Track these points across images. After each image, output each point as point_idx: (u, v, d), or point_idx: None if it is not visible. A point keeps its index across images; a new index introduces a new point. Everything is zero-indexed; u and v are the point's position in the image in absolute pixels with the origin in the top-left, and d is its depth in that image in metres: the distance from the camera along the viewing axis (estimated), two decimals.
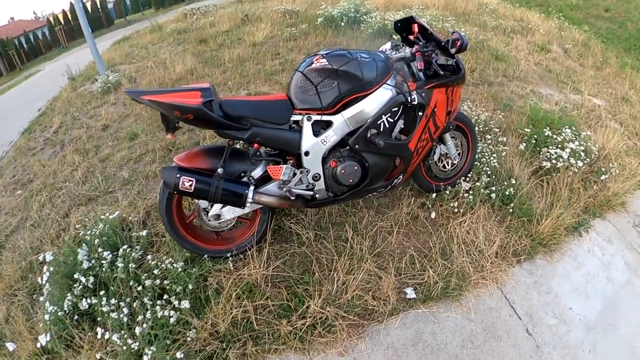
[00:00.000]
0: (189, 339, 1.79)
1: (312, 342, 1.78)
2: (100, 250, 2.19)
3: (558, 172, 2.76)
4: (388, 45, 2.18)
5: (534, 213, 2.46)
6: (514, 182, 2.58)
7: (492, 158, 2.73)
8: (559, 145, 2.93)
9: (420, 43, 2.07)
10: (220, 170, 1.89)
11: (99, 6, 29.25)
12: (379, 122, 1.94)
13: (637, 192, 3.00)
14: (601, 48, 6.51)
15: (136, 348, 1.74)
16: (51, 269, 2.19)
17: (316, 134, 1.93)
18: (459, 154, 2.52)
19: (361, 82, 1.88)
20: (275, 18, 7.47)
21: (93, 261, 2.16)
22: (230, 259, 2.13)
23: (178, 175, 1.81)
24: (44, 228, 2.98)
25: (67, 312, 1.99)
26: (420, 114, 2.04)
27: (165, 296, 1.92)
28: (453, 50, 1.99)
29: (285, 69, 4.78)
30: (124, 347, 1.75)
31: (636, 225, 2.75)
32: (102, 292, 1.97)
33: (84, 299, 1.97)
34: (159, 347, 1.73)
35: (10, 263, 2.67)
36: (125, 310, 1.86)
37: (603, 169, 2.90)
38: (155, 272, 2.03)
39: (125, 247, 2.18)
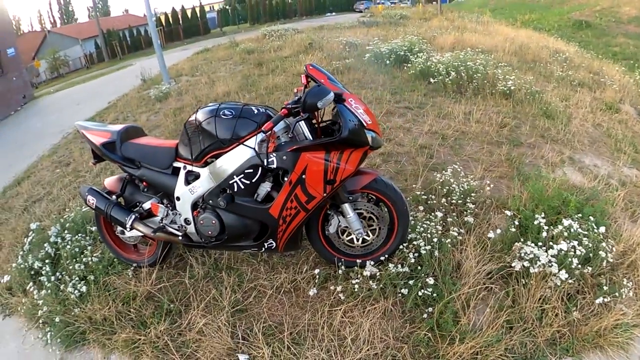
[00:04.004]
0: (74, 313, 2.34)
1: (138, 357, 2.08)
2: (65, 232, 2.96)
3: (530, 280, 2.13)
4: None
5: (454, 327, 1.95)
6: (431, 281, 2.14)
7: (429, 243, 2.29)
8: (547, 242, 2.27)
9: (296, 97, 2.03)
10: (114, 197, 2.39)
11: (198, 15, 34.36)
12: (231, 182, 2.02)
13: None
14: None
15: (40, 312, 2.40)
16: (33, 234, 3.07)
17: (187, 182, 2.16)
18: (372, 230, 2.28)
19: (216, 140, 2.01)
20: (335, 48, 8.12)
21: (59, 239, 2.94)
22: (132, 269, 2.61)
23: (86, 194, 2.40)
24: (56, 204, 3.96)
25: (26, 267, 2.78)
26: (285, 179, 1.99)
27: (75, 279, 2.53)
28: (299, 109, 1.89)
29: None
30: (29, 305, 2.51)
31: None
32: (47, 260, 2.75)
33: (36, 261, 2.75)
34: (54, 313, 2.37)
35: (24, 222, 3.68)
36: (52, 278, 2.58)
37: (606, 287, 2.13)
38: (85, 259, 2.66)
39: (78, 235, 2.91)
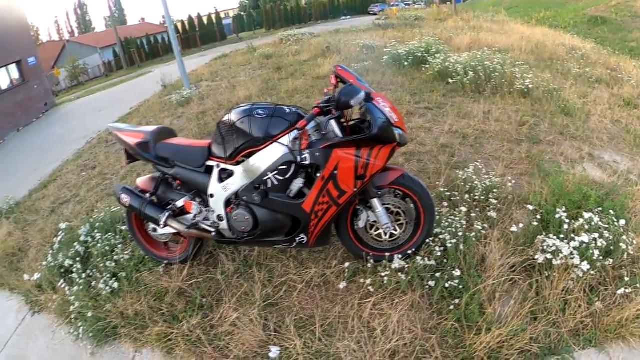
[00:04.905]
0: (105, 308, 2.43)
1: (170, 351, 2.15)
2: (95, 231, 3.07)
3: (553, 272, 2.17)
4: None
5: (480, 318, 1.98)
6: (457, 273, 2.19)
7: (454, 237, 2.35)
8: (568, 235, 2.30)
9: (327, 97, 2.12)
10: (147, 195, 2.50)
11: (214, 21, 35.32)
12: (265, 179, 2.11)
13: None
14: None
15: (71, 308, 2.50)
16: (63, 234, 3.22)
17: (221, 180, 2.26)
18: (400, 225, 2.35)
19: (251, 138, 2.11)
20: (352, 51, 8.19)
21: (89, 238, 3.05)
22: (163, 265, 2.69)
23: (120, 192, 2.53)
24: (83, 206, 4.11)
25: (56, 265, 2.89)
26: (318, 175, 2.07)
27: (106, 276, 2.62)
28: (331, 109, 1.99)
29: None
30: (60, 301, 2.62)
31: None
32: (77, 259, 2.85)
33: (67, 260, 2.87)
34: (85, 308, 2.46)
35: (52, 223, 3.83)
36: (84, 275, 2.70)
37: (627, 279, 2.16)
38: (115, 257, 2.77)
39: (108, 234, 3.01)
